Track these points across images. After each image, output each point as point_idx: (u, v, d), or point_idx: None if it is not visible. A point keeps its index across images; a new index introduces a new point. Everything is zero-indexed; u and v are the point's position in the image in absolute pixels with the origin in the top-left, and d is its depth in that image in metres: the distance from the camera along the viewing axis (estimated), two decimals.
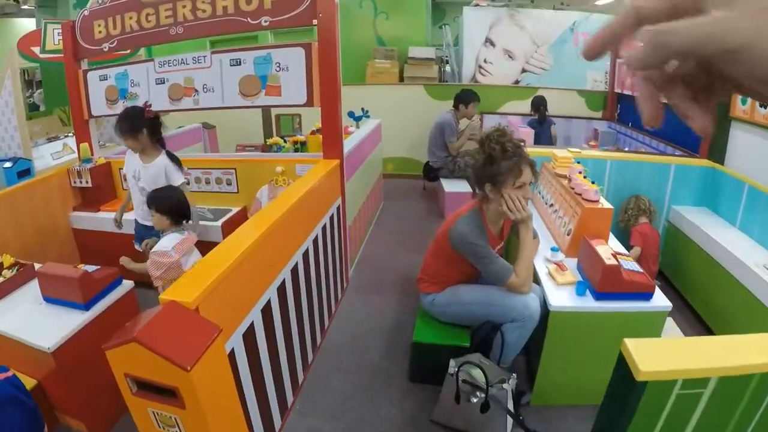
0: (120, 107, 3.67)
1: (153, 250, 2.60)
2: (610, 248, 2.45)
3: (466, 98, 5.25)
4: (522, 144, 2.40)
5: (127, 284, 2.55)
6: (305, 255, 2.61)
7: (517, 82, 6.86)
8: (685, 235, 3.52)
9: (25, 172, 4.53)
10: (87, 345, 2.23)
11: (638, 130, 5.12)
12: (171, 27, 3.29)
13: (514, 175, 2.32)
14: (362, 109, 6.19)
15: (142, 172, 2.93)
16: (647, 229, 3.47)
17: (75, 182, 3.70)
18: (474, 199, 2.54)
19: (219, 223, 3.37)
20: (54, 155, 4.94)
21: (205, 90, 3.43)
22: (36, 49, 4.52)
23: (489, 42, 6.76)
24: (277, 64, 3.20)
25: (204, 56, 3.37)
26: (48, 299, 2.43)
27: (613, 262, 2.28)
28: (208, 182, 3.67)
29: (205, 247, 2.49)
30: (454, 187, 5.07)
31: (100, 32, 3.54)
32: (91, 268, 2.48)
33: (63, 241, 3.70)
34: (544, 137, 5.36)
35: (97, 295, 2.43)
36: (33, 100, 6.15)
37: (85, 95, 3.82)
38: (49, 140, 4.97)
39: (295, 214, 2.46)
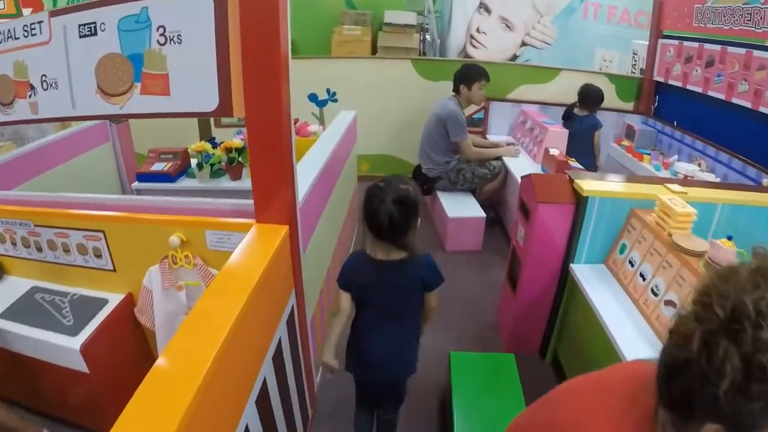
0: None
1: None
2: None
3: (467, 76, 3.49)
4: None
5: None
6: None
7: (514, 57, 5.17)
8: None
9: None
10: None
11: (688, 132, 3.53)
12: None
13: None
14: (327, 90, 4.37)
15: None
16: None
17: None
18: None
19: (77, 344, 1.62)
20: None
21: (45, 85, 1.62)
22: None
23: (484, 7, 5.00)
24: (161, 31, 1.40)
25: (39, 22, 1.56)
26: None
27: None
28: (66, 250, 1.86)
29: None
30: (459, 208, 3.40)
31: None
32: None
33: None
34: (581, 144, 3.61)
35: None
36: None
37: None
38: None
39: (227, 361, 0.95)
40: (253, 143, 1.37)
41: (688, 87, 3.52)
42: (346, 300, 1.56)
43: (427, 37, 5.45)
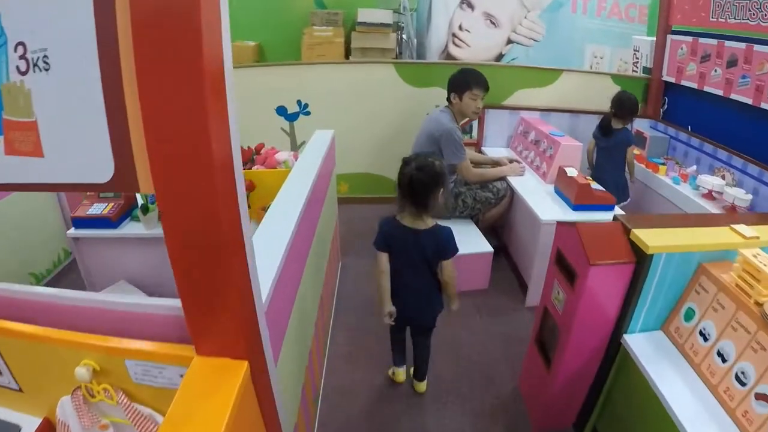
0: None
1: None
2: None
3: (458, 84, 2.85)
4: None
5: None
6: None
7: (500, 56, 4.66)
8: None
9: None
10: None
11: (709, 140, 3.07)
12: None
13: None
14: (298, 102, 3.77)
15: None
16: None
17: None
18: None
19: None
20: None
21: None
22: None
23: (466, 3, 4.47)
24: (20, 51, 0.81)
25: None
26: None
27: None
28: None
29: None
30: (461, 242, 2.70)
31: None
32: None
33: None
34: (614, 160, 3.09)
35: None
36: None
37: None
38: None
39: None
40: (173, 239, 0.79)
41: (706, 89, 3.06)
42: (385, 261, 1.81)
43: (404, 36, 4.89)
